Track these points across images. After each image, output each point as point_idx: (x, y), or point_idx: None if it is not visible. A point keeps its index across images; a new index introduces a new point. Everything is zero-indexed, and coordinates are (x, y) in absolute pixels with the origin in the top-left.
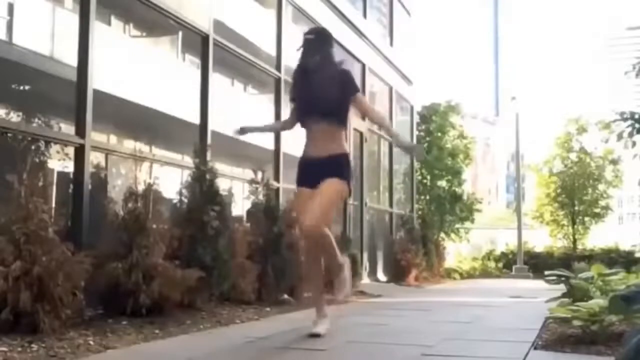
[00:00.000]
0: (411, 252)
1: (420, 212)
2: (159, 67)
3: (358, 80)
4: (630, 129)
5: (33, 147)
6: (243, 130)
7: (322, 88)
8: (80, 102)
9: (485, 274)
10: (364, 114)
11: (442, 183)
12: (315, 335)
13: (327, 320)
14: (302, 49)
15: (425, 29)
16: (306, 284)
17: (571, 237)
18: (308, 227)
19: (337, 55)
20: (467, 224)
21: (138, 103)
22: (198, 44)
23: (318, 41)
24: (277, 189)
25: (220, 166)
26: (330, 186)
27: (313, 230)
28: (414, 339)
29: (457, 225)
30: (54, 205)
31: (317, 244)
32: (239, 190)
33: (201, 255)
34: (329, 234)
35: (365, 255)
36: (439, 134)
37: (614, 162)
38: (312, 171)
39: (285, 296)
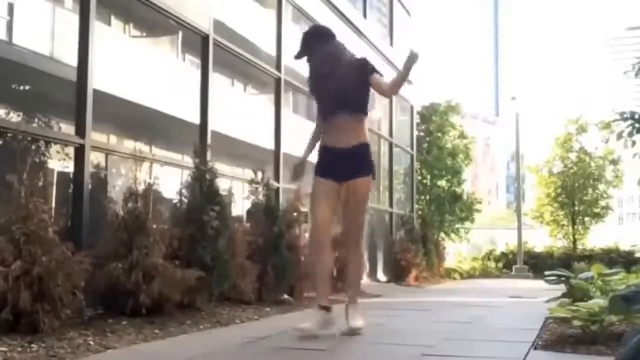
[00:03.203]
0: (411, 252)
1: (420, 212)
2: (159, 67)
3: None
4: (630, 128)
5: (33, 147)
6: (299, 170)
7: (337, 81)
8: (80, 102)
9: (485, 274)
10: (384, 94)
11: (442, 183)
12: (357, 330)
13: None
14: (305, 50)
15: (425, 29)
16: (315, 281)
17: (571, 237)
18: (354, 245)
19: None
20: (467, 224)
21: (138, 103)
22: (198, 44)
23: (318, 38)
24: (277, 189)
25: (220, 166)
26: (365, 193)
27: (358, 249)
28: (414, 339)
29: (457, 225)
30: (54, 205)
31: (350, 258)
32: (239, 190)
33: (201, 255)
34: (363, 253)
35: (365, 255)
36: (439, 134)
37: (614, 162)
38: (335, 163)
39: (285, 296)
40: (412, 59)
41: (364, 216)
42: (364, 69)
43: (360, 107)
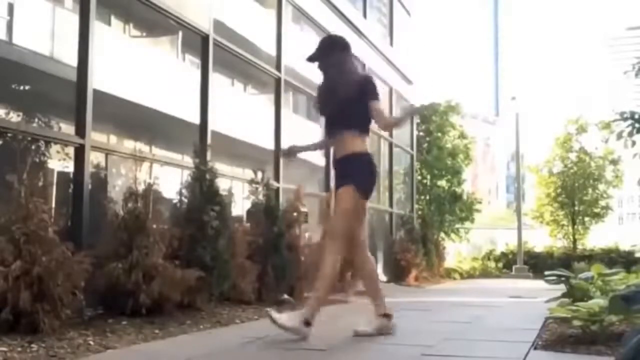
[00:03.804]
0: (411, 252)
1: (420, 212)
2: (159, 67)
3: None
4: (630, 128)
5: (33, 147)
6: (291, 151)
7: (337, 98)
8: (80, 102)
9: (485, 274)
10: (379, 125)
11: (442, 183)
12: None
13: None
14: (317, 56)
15: (425, 29)
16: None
17: (571, 237)
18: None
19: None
20: (467, 224)
21: (138, 103)
22: (198, 44)
23: (324, 50)
24: (277, 189)
25: (220, 166)
26: (342, 202)
27: (331, 247)
28: (414, 339)
29: (457, 225)
30: (54, 205)
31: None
32: (239, 190)
33: (201, 255)
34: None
35: None
36: (439, 134)
37: (614, 162)
38: (334, 173)
39: (285, 296)
40: (426, 109)
41: (340, 226)
42: (365, 90)
43: (356, 124)
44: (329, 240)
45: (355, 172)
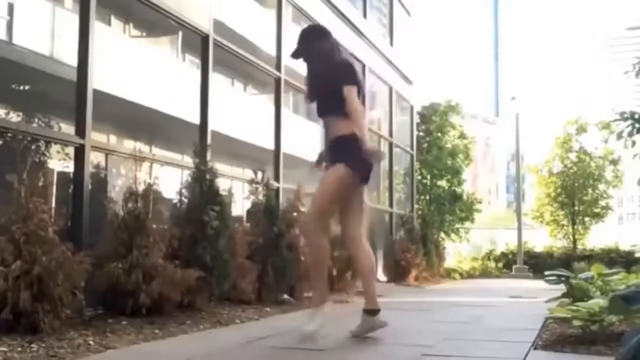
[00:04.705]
0: (411, 252)
1: (420, 212)
2: (159, 67)
3: None
4: (630, 128)
5: (33, 147)
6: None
7: (313, 83)
8: (80, 102)
9: (485, 274)
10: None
11: (442, 183)
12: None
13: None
14: (300, 48)
15: (425, 29)
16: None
17: (571, 237)
18: (302, 225)
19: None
20: (467, 224)
21: (138, 103)
22: (198, 44)
23: (304, 39)
24: (277, 189)
25: (220, 166)
26: (324, 179)
27: (304, 229)
28: (414, 339)
29: (457, 225)
30: (54, 205)
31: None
32: (239, 190)
33: (201, 255)
34: (318, 243)
35: None
36: (439, 134)
37: (614, 162)
38: (326, 159)
39: (285, 296)
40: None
41: (320, 198)
42: (337, 75)
43: (339, 108)
44: (311, 226)
45: (343, 152)
